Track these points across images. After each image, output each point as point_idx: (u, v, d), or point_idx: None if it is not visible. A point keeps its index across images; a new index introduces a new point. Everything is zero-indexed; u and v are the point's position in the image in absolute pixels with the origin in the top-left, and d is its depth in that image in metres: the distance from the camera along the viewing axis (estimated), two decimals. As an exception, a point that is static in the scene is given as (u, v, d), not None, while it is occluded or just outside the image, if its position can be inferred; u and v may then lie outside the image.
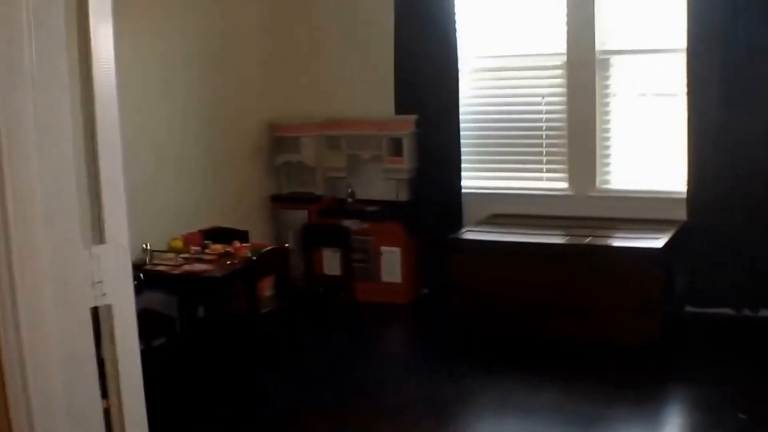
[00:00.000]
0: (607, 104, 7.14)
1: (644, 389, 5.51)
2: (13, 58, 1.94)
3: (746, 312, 6.77)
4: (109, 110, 2.11)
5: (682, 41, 6.60)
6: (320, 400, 5.59)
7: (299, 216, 7.63)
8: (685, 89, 6.67)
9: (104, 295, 2.16)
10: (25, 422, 2.04)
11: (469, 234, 6.98)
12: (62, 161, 2.04)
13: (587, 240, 6.50)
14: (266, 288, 6.39)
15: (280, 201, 7.78)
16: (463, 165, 7.52)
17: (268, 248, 6.32)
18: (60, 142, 2.02)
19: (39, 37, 1.96)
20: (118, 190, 2.16)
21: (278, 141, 7.72)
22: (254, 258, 6.04)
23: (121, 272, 2.19)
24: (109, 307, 2.19)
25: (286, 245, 6.72)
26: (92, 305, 2.15)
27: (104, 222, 2.15)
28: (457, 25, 7.31)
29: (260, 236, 7.25)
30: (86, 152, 2.13)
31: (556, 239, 6.67)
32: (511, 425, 5.14)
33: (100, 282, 2.15)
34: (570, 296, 6.28)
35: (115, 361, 2.22)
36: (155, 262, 6.00)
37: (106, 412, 2.21)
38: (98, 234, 2.16)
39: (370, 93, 7.75)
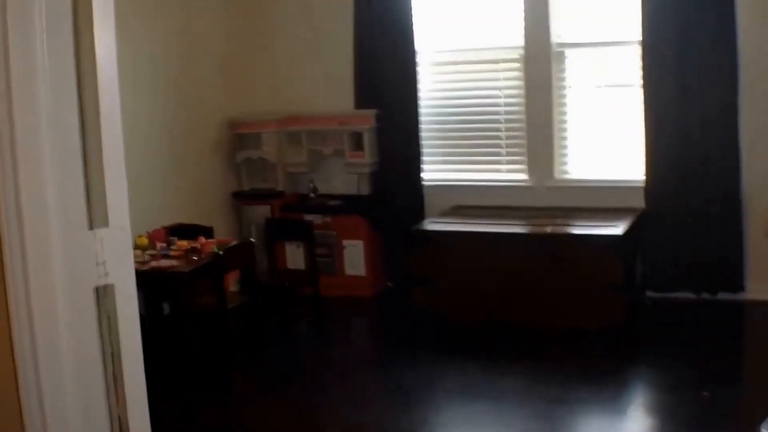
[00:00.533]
0: (563, 96, 7.37)
1: (608, 372, 5.75)
2: (28, 55, 2.08)
3: (705, 295, 7.03)
4: (111, 104, 2.26)
5: (637, 33, 6.84)
6: (287, 390, 5.75)
7: (262, 212, 7.75)
8: (640, 81, 6.91)
9: (107, 275, 2.30)
10: (34, 386, 2.18)
11: (432, 225, 7.16)
12: (71, 151, 2.18)
13: (548, 229, 6.71)
14: (232, 283, 6.51)
15: (242, 197, 7.90)
16: (423, 158, 7.72)
17: (234, 243, 6.44)
18: (68, 134, 2.17)
19: (50, 38, 2.11)
20: (120, 177, 2.31)
21: (239, 138, 7.84)
22: (220, 253, 6.15)
23: (123, 254, 2.34)
24: (111, 287, 2.33)
25: (251, 240, 6.83)
26: (96, 285, 2.29)
27: (107, 206, 2.28)
28: (415, 20, 7.50)
29: (223, 232, 7.36)
30: (91, 143, 2.27)
31: (517, 229, 6.87)
32: (477, 409, 5.31)
33: (104, 262, 2.29)
34: (532, 284, 6.48)
35: (117, 339, 2.36)
36: (122, 259, 6.08)
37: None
38: (102, 217, 2.30)
39: (330, 88, 7.90)
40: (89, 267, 2.26)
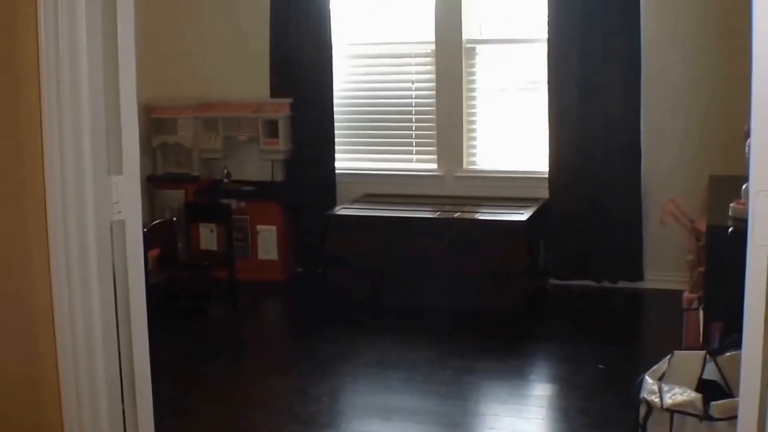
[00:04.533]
0: (473, 90, 8.25)
1: (511, 347, 6.65)
2: (75, 33, 2.83)
3: (606, 283, 7.92)
4: (128, 71, 3.01)
5: (543, 31, 7.73)
6: (206, 362, 6.47)
7: (176, 196, 8.40)
8: (546, 77, 7.78)
9: (120, 213, 3.05)
10: (67, 306, 2.93)
11: (344, 210, 7.93)
12: (98, 111, 2.93)
13: (456, 215, 7.55)
14: (152, 261, 7.18)
15: (156, 181, 8.54)
16: (336, 147, 8.47)
17: (156, 222, 7.12)
18: (98, 97, 2.92)
19: (89, 16, 2.87)
20: (133, 134, 3.05)
21: (155, 122, 8.50)
22: (144, 231, 6.82)
23: (133, 197, 3.09)
24: (122, 222, 3.08)
25: (173, 219, 7.50)
26: (111, 219, 3.04)
27: (122, 158, 3.03)
28: (332, 12, 8.25)
29: (138, 215, 7.96)
30: (111, 105, 3.02)
31: (427, 214, 7.70)
32: (392, 376, 6.08)
33: (117, 202, 3.04)
34: (441, 267, 7.33)
35: (125, 267, 3.10)
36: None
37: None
38: (117, 166, 3.05)
39: (246, 76, 8.60)
40: (108, 205, 3.02)
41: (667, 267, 7.64)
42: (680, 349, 5.76)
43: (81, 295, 2.98)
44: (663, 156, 7.68)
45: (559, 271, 7.97)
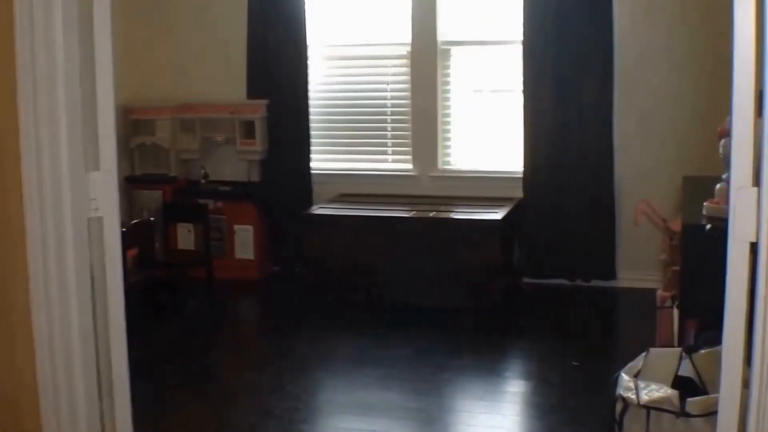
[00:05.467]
0: (447, 91, 8.19)
1: (487, 344, 6.59)
2: (51, 30, 2.74)
3: (579, 282, 7.88)
4: (106, 70, 2.91)
5: (518, 34, 7.68)
6: (186, 359, 6.38)
7: (154, 196, 8.32)
8: (521, 79, 7.72)
9: (97, 209, 2.96)
10: (43, 289, 2.84)
11: (320, 210, 7.85)
12: (74, 108, 2.84)
13: (432, 214, 7.49)
14: (131, 260, 7.08)
15: (134, 181, 8.44)
16: (312, 147, 8.40)
17: (135, 221, 7.02)
18: (74, 92, 2.82)
19: (65, 16, 2.78)
20: (110, 130, 2.95)
21: (134, 123, 8.40)
22: (123, 230, 6.71)
23: (110, 193, 2.99)
24: (100, 219, 2.98)
25: (151, 219, 7.41)
26: (88, 216, 2.94)
27: (99, 154, 2.94)
28: (308, 14, 8.17)
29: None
30: (87, 103, 2.92)
31: (402, 213, 7.61)
32: (369, 373, 6.02)
33: (95, 199, 2.94)
34: (417, 265, 7.25)
35: (102, 264, 3.01)
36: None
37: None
38: (94, 162, 2.95)
39: (223, 78, 8.52)
40: (84, 202, 2.92)
41: (639, 266, 7.63)
42: (654, 346, 5.76)
43: (58, 292, 2.88)
44: (636, 156, 7.67)
45: (533, 269, 7.93)
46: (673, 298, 5.76)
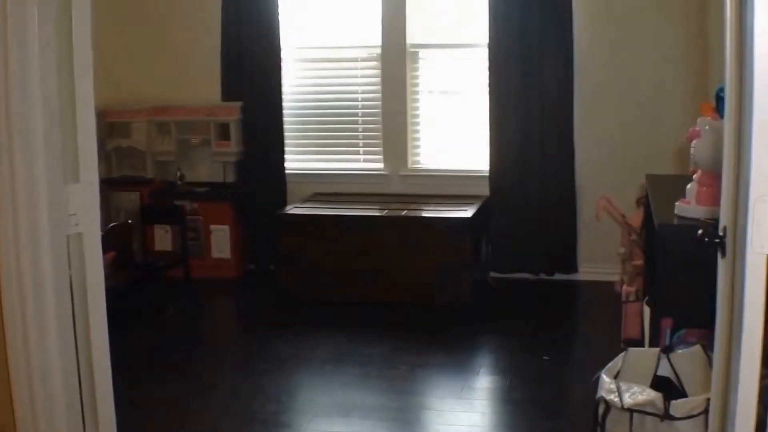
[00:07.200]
0: (417, 92, 8.01)
1: (459, 340, 6.37)
2: (27, 39, 2.49)
3: (543, 276, 7.76)
4: (86, 77, 2.66)
5: (484, 37, 7.51)
6: (165, 361, 6.13)
7: (131, 198, 8.07)
8: (487, 81, 7.57)
9: (77, 225, 2.70)
10: (20, 314, 2.58)
11: (295, 210, 7.62)
12: (52, 118, 2.58)
13: (403, 212, 7.29)
14: (109, 263, 6.82)
15: (111, 184, 8.16)
16: (286, 148, 8.19)
17: (113, 224, 6.76)
18: (51, 101, 2.57)
19: (41, 24, 2.52)
20: (91, 139, 2.70)
21: (110, 126, 8.13)
22: (102, 234, 6.45)
23: (91, 207, 2.74)
24: (80, 235, 2.73)
25: (129, 221, 7.15)
26: (67, 233, 2.69)
27: (79, 165, 2.68)
28: (280, 17, 7.94)
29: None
30: (67, 112, 2.67)
31: (375, 212, 7.42)
32: (347, 373, 5.80)
33: (74, 214, 2.69)
34: (390, 263, 7.07)
35: (83, 282, 2.76)
36: None
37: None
38: (73, 174, 2.70)
39: (198, 80, 8.27)
40: (63, 216, 2.66)
41: (599, 259, 7.61)
42: (620, 338, 5.63)
43: (35, 317, 2.61)
44: (596, 155, 7.62)
45: (499, 264, 7.78)
46: (636, 293, 5.64)
